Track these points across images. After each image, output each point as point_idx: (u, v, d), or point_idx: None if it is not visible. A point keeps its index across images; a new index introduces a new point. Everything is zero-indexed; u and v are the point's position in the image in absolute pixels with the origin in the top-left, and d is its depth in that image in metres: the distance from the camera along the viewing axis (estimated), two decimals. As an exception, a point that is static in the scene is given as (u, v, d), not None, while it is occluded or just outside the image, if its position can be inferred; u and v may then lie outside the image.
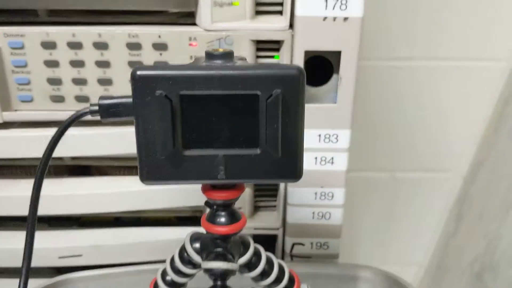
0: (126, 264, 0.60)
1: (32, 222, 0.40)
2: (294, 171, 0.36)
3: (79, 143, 0.54)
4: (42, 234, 0.61)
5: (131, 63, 0.51)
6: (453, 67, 0.81)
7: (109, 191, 0.58)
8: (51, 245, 0.59)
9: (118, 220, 0.64)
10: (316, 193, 0.57)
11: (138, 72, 0.33)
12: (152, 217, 0.64)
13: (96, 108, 0.35)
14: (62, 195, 0.57)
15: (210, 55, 0.35)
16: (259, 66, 0.34)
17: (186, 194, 0.59)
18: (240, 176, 0.36)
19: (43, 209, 0.57)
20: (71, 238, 0.61)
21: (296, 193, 0.58)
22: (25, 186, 0.58)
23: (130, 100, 0.35)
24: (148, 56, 0.50)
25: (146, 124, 0.34)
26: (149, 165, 0.35)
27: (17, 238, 0.60)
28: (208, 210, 0.40)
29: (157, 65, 0.33)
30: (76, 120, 0.36)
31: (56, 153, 0.53)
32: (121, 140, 0.54)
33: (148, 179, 0.36)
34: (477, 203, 0.88)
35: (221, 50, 0.35)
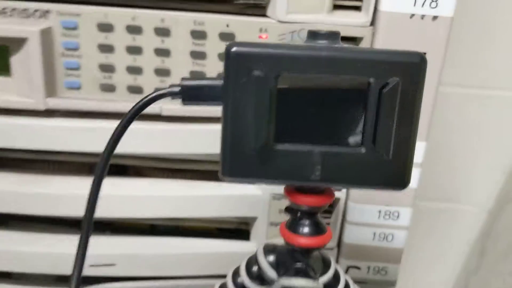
0: (163, 278, 0.54)
1: (86, 233, 0.35)
2: (402, 178, 0.31)
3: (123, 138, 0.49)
4: (71, 238, 0.56)
5: (193, 54, 0.46)
6: (487, 96, 0.77)
7: (148, 194, 0.52)
8: (82, 251, 0.54)
9: (154, 229, 0.58)
10: (380, 211, 0.52)
11: (234, 48, 0.29)
12: (191, 227, 0.58)
13: (178, 89, 0.31)
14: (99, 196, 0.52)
15: (314, 34, 0.30)
16: (373, 50, 0.29)
17: (234, 203, 0.53)
18: (337, 179, 0.31)
19: (73, 210, 0.53)
20: (104, 244, 0.56)
21: (357, 209, 0.52)
22: (58, 184, 0.53)
23: (218, 82, 0.30)
24: (213, 47, 0.46)
25: (237, 111, 0.29)
26: (234, 159, 0.30)
27: (46, 242, 0.55)
28: (289, 217, 0.34)
29: (256, 42, 0.28)
30: (153, 102, 0.31)
31: (92, 148, 0.48)
32: (166, 138, 0.49)
33: (231, 174, 0.31)
34: (503, 239, 0.83)
35: (325, 30, 0.30)
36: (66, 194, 0.51)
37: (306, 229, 0.33)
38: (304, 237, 0.33)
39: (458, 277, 0.94)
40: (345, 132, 0.31)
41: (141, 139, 0.50)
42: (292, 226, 0.34)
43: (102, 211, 0.54)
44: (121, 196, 0.53)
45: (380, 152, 0.30)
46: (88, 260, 0.56)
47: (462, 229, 0.89)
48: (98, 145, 0.34)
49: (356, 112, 0.30)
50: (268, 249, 0.36)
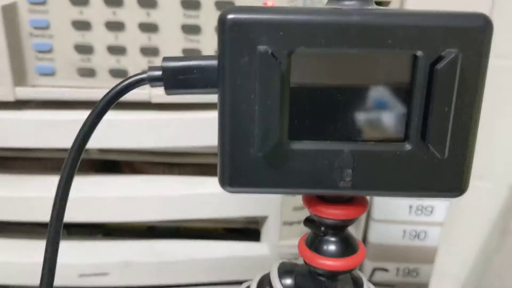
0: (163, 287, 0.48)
1: (54, 236, 0.28)
2: (458, 183, 0.23)
3: (109, 131, 0.42)
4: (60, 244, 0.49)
5: (185, 28, 0.39)
6: (504, 67, 0.69)
7: (144, 194, 0.46)
8: (70, 260, 0.47)
9: (153, 230, 0.52)
10: (411, 206, 0.45)
11: (230, 16, 0.21)
12: (194, 228, 0.52)
13: (158, 73, 0.23)
14: (84, 197, 0.45)
15: (339, -6, 0.22)
16: (421, 13, 0.22)
17: (241, 200, 0.46)
18: (373, 185, 0.24)
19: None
20: (95, 251, 0.49)
21: (385, 205, 0.45)
22: (39, 184, 0.46)
23: (212, 62, 0.23)
24: (209, 19, 0.38)
25: (238, 100, 0.22)
26: (237, 164, 0.23)
27: (28, 250, 0.48)
28: (310, 231, 0.27)
29: (260, 7, 0.21)
30: (128, 91, 0.23)
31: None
32: (161, 130, 0.42)
33: (233, 184, 0.23)
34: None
35: (354, -13, 0.23)
36: (45, 196, 0.44)
37: (332, 248, 0.26)
38: (330, 259, 0.26)
39: (477, 256, 0.89)
40: (384, 124, 0.23)
41: (130, 132, 0.43)
42: (315, 244, 0.26)
43: (91, 215, 0.48)
44: (114, 198, 0.46)
45: (431, 149, 0.22)
46: (76, 269, 0.50)
47: (481, 206, 0.83)
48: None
49: (397, 97, 0.23)
50: (285, 270, 0.28)
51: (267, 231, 0.48)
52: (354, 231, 0.48)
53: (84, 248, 0.50)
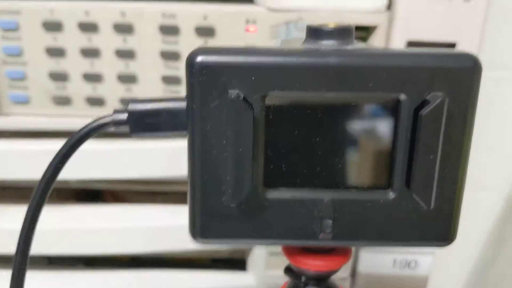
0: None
1: (19, 270, 0.27)
2: (445, 231, 0.22)
3: (88, 161, 0.40)
4: (40, 275, 0.47)
5: (164, 54, 0.37)
6: (501, 78, 0.69)
7: (126, 224, 0.44)
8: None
9: (136, 260, 0.50)
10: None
11: (199, 58, 0.20)
12: (179, 257, 0.50)
13: (124, 117, 0.21)
14: (64, 228, 0.44)
15: (316, 32, 0.21)
16: (405, 53, 0.20)
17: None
18: (355, 235, 0.22)
19: (40, 247, 0.44)
20: (75, 281, 0.47)
21: (374, 234, 0.43)
22: (17, 215, 0.44)
23: (181, 104, 0.21)
24: (189, 44, 0.37)
25: (208, 147, 0.21)
26: (209, 214, 0.21)
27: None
28: (289, 280, 0.25)
29: (231, 48, 0.19)
30: (91, 135, 0.22)
31: (59, 175, 0.40)
32: (144, 159, 0.40)
33: (204, 236, 0.22)
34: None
35: (333, 25, 0.21)
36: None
37: (314, 299, 0.24)
38: (311, 311, 0.24)
39: (473, 266, 0.88)
40: (365, 171, 0.22)
41: (110, 162, 0.41)
42: (295, 294, 0.25)
43: (72, 246, 0.46)
44: (95, 229, 0.44)
45: (416, 198, 0.21)
46: (56, 303, 0.48)
47: (477, 217, 0.82)
48: None
49: (380, 142, 0.21)
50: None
51: (253, 261, 0.46)
52: (344, 260, 0.46)
53: (65, 279, 0.48)
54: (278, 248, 0.45)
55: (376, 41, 0.37)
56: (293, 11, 0.36)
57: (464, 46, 0.36)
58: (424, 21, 0.35)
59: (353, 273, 0.46)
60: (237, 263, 0.49)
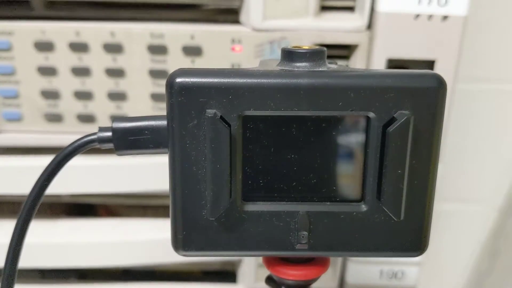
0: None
1: (8, 283, 0.27)
2: (417, 242, 0.23)
3: (80, 176, 0.41)
4: (31, 288, 0.48)
5: (152, 72, 0.38)
6: (490, 90, 0.70)
7: (119, 238, 0.45)
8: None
9: (128, 273, 0.50)
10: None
11: (179, 79, 0.21)
12: (170, 270, 0.50)
13: (109, 134, 0.23)
14: (58, 242, 0.44)
15: (290, 54, 0.22)
16: (373, 74, 0.21)
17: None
18: (330, 246, 0.23)
19: (32, 260, 0.45)
20: (67, 295, 0.48)
21: (360, 245, 0.44)
22: (9, 230, 0.45)
23: (162, 123, 0.22)
24: (176, 63, 0.38)
25: (188, 163, 0.22)
26: (189, 228, 0.22)
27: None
28: (270, 291, 0.26)
29: (209, 70, 0.20)
30: (77, 152, 0.23)
31: (51, 190, 0.41)
32: (135, 174, 0.41)
33: (186, 248, 0.23)
34: (517, 238, 0.76)
35: (306, 47, 0.22)
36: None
37: (293, 309, 0.25)
38: (291, 320, 0.25)
39: (469, 278, 0.88)
40: (339, 184, 0.23)
41: (101, 177, 0.42)
42: (275, 304, 0.25)
43: (64, 260, 0.46)
44: (87, 242, 0.45)
45: (387, 210, 0.22)
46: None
47: (471, 229, 0.82)
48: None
49: (352, 157, 0.22)
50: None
51: (243, 273, 0.47)
52: (332, 271, 0.47)
53: (57, 292, 0.49)
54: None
55: (358, 59, 0.38)
56: (277, 31, 0.37)
57: (443, 63, 0.38)
58: (404, 39, 0.37)
59: (341, 284, 0.47)
60: (227, 275, 0.49)
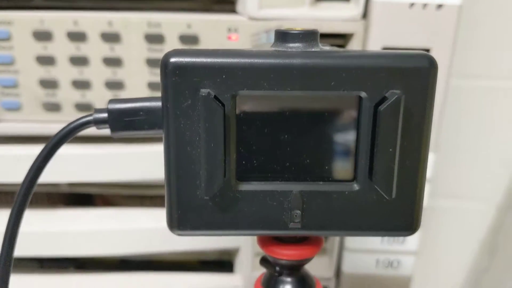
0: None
1: (4, 269, 0.28)
2: (409, 221, 0.23)
3: (78, 165, 0.42)
4: (31, 278, 0.48)
5: (150, 61, 0.38)
6: (487, 87, 0.70)
7: (116, 227, 0.45)
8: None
9: (125, 263, 0.51)
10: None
11: (173, 59, 0.21)
12: (167, 260, 0.51)
13: (104, 115, 0.23)
14: (55, 231, 0.45)
15: (283, 36, 0.22)
16: (363, 54, 0.22)
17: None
18: (323, 225, 0.23)
19: (31, 250, 0.45)
20: (67, 284, 0.48)
21: (357, 234, 0.45)
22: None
23: (157, 104, 0.23)
24: (174, 52, 0.38)
25: (182, 143, 0.22)
26: (185, 207, 0.23)
27: None
28: (265, 271, 0.27)
29: (203, 50, 0.21)
30: (73, 134, 0.23)
31: (49, 178, 0.41)
32: (133, 162, 0.42)
33: (181, 227, 0.23)
34: (516, 234, 0.76)
35: (299, 28, 0.23)
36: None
37: (288, 288, 0.26)
38: (285, 300, 0.25)
39: (467, 276, 0.88)
40: (332, 164, 0.23)
41: (99, 165, 0.42)
42: (270, 285, 0.26)
43: (63, 248, 0.47)
44: (85, 231, 0.45)
45: (378, 189, 0.22)
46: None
47: (470, 226, 0.83)
48: (45, 174, 0.26)
49: (345, 137, 0.23)
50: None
51: (240, 263, 0.47)
52: (328, 260, 0.48)
53: (56, 281, 0.49)
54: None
55: (354, 48, 0.38)
56: (273, 20, 0.38)
57: (437, 52, 0.38)
58: (398, 28, 0.37)
59: (338, 273, 0.48)
60: (224, 265, 0.50)
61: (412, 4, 0.37)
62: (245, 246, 0.46)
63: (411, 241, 0.45)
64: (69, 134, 0.23)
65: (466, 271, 0.86)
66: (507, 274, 0.77)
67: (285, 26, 0.37)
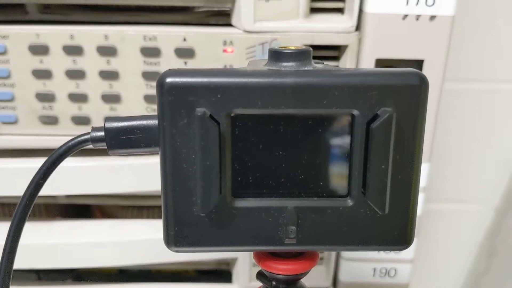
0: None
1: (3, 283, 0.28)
2: (403, 236, 0.23)
3: (76, 177, 0.42)
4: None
5: (146, 75, 0.39)
6: (489, 91, 0.71)
7: (114, 238, 0.45)
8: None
9: (124, 274, 0.51)
10: (378, 246, 0.45)
11: (169, 79, 0.22)
12: (165, 270, 0.51)
13: (101, 134, 0.23)
14: (53, 243, 0.45)
15: (277, 55, 0.23)
16: (356, 72, 0.22)
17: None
18: (318, 240, 0.24)
19: (29, 262, 0.45)
20: (64, 296, 0.48)
21: (353, 243, 0.45)
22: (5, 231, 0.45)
23: (153, 122, 0.23)
24: (169, 65, 0.38)
25: (178, 161, 0.22)
26: (180, 224, 0.23)
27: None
28: (262, 285, 0.27)
29: (198, 70, 0.21)
30: (71, 152, 0.24)
31: (47, 191, 0.41)
32: (130, 174, 0.42)
33: (177, 244, 0.23)
34: (514, 236, 0.76)
35: (293, 47, 0.23)
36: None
37: (284, 302, 0.26)
38: (281, 314, 0.25)
39: (466, 278, 0.89)
40: (326, 180, 0.23)
41: (96, 177, 0.42)
42: (266, 299, 0.26)
43: (61, 260, 0.47)
44: (83, 243, 0.45)
45: (372, 204, 0.22)
46: (45, 318, 0.49)
47: (468, 228, 0.83)
48: (43, 187, 0.26)
49: (338, 153, 0.23)
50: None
51: (237, 273, 0.47)
52: (325, 270, 0.48)
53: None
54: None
55: (348, 60, 0.39)
56: (268, 33, 0.38)
57: (431, 63, 0.38)
58: (392, 40, 0.38)
59: (335, 282, 0.48)
60: (222, 275, 0.50)
61: (405, 16, 0.37)
62: (243, 256, 0.46)
63: (408, 249, 0.45)
64: (67, 152, 0.23)
65: (464, 274, 0.86)
66: (506, 276, 0.77)
67: (280, 38, 0.38)
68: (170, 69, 0.22)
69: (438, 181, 0.76)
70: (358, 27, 0.38)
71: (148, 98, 0.39)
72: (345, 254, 0.46)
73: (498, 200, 0.79)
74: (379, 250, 0.24)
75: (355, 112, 0.22)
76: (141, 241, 0.45)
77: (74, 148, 0.24)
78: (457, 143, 0.74)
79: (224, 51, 0.38)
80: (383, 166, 0.21)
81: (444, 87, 0.59)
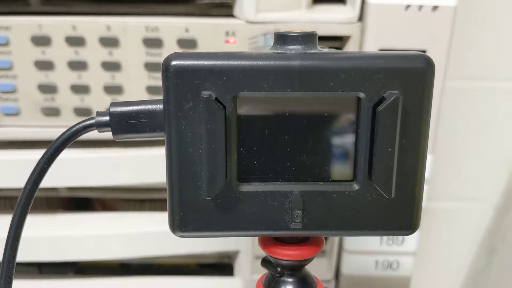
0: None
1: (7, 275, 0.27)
2: (409, 220, 0.23)
3: (77, 169, 0.42)
4: (30, 284, 0.48)
5: (148, 66, 0.39)
6: (489, 89, 0.71)
7: (115, 231, 0.45)
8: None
9: (125, 267, 0.51)
10: (381, 237, 0.45)
11: (174, 62, 0.21)
12: (167, 264, 0.51)
13: (106, 118, 0.23)
14: (55, 236, 0.45)
15: (283, 38, 0.23)
16: (362, 55, 0.22)
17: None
18: (324, 225, 0.24)
19: (31, 254, 0.45)
20: (65, 290, 0.48)
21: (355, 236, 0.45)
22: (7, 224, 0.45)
23: (158, 106, 0.23)
24: (172, 56, 0.38)
25: (184, 145, 0.22)
26: (186, 209, 0.23)
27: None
28: (267, 272, 0.27)
29: (203, 53, 0.21)
30: (75, 137, 0.23)
31: (48, 183, 0.41)
32: (132, 166, 0.42)
33: (183, 229, 0.23)
34: (513, 235, 0.76)
35: (298, 30, 0.23)
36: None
37: (289, 289, 0.26)
38: (286, 300, 0.25)
39: (466, 276, 0.89)
40: (331, 164, 0.23)
41: (98, 169, 0.42)
42: (272, 285, 0.26)
43: (62, 253, 0.47)
44: (85, 236, 0.45)
45: (378, 189, 0.22)
46: (46, 311, 0.49)
47: (468, 227, 0.83)
48: (44, 179, 0.26)
49: (344, 137, 0.23)
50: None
51: (239, 266, 0.47)
52: (327, 262, 0.48)
53: (55, 287, 0.49)
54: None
55: (350, 50, 0.39)
56: (270, 23, 0.38)
57: (433, 53, 0.38)
58: (394, 30, 0.38)
59: (337, 275, 0.48)
60: (224, 268, 0.50)
61: (407, 6, 0.37)
62: (245, 249, 0.46)
63: (410, 242, 0.46)
64: (72, 137, 0.23)
65: (464, 272, 0.86)
66: (506, 274, 0.77)
67: (282, 29, 0.38)
68: (175, 52, 0.22)
69: (438, 179, 0.76)
70: (360, 18, 0.38)
71: (150, 89, 0.39)
72: (348, 246, 0.46)
73: (498, 198, 0.79)
74: (385, 235, 0.24)
75: (361, 95, 0.22)
76: (143, 234, 0.45)
77: (79, 133, 0.24)
78: (457, 141, 0.74)
79: (227, 41, 0.38)
80: (389, 150, 0.21)
81: (444, 85, 0.59)
